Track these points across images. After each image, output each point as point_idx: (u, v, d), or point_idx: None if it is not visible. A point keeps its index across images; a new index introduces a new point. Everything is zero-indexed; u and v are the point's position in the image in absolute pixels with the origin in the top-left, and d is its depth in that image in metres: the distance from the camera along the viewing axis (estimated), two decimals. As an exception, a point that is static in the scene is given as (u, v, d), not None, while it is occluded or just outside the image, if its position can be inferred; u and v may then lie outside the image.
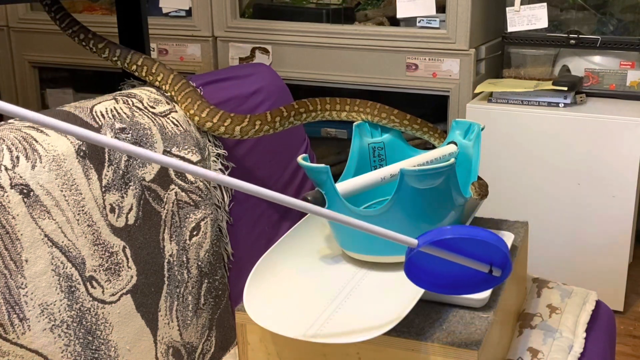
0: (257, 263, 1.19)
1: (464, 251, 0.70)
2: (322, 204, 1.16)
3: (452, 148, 1.36)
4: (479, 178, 1.30)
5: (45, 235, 1.02)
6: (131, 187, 1.19)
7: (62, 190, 1.06)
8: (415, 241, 0.69)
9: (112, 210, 1.14)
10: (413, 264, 0.72)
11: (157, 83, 1.38)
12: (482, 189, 1.24)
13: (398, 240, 0.68)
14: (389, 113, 1.42)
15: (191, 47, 2.61)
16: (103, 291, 1.10)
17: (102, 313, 1.09)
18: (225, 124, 1.37)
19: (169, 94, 1.37)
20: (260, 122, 1.39)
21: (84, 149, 1.12)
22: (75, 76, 2.99)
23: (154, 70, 1.37)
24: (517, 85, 2.27)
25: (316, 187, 1.18)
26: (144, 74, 1.38)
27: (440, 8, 2.33)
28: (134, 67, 1.39)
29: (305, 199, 1.15)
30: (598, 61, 2.36)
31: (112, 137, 1.18)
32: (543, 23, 2.29)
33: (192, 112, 1.36)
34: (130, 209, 1.17)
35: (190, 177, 1.31)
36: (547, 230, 2.24)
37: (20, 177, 1.02)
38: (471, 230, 0.70)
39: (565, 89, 2.20)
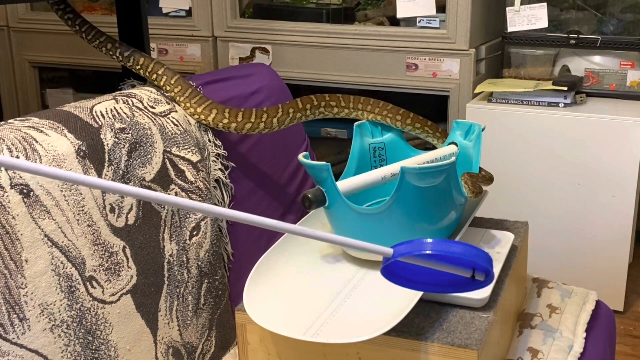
0: (257, 263, 1.19)
1: (444, 258, 0.70)
2: (323, 202, 1.16)
3: (452, 149, 1.35)
4: (481, 169, 1.29)
5: (45, 235, 1.02)
6: (131, 187, 1.19)
7: (62, 190, 1.06)
8: (390, 251, 0.69)
9: (112, 210, 1.14)
10: (389, 271, 0.72)
11: (172, 94, 1.38)
12: (476, 187, 1.22)
13: (371, 251, 0.68)
14: (423, 124, 1.43)
15: (191, 47, 2.61)
16: (103, 291, 1.10)
17: (102, 313, 1.09)
18: (263, 119, 1.39)
19: (183, 105, 1.37)
20: (293, 110, 1.41)
21: (84, 149, 1.12)
22: (75, 76, 3.00)
23: (172, 82, 1.38)
24: (517, 85, 2.27)
25: (317, 185, 1.18)
26: (161, 83, 1.39)
27: (440, 8, 2.33)
28: (155, 76, 1.39)
29: (306, 197, 1.15)
30: (598, 61, 2.36)
31: (112, 137, 1.18)
32: (543, 23, 2.29)
33: (225, 121, 1.37)
34: (130, 209, 1.17)
35: (190, 177, 1.31)
36: (547, 230, 2.24)
37: (20, 177, 1.01)
38: (450, 246, 0.70)
39: (565, 89, 2.20)
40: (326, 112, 1.45)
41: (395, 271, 0.71)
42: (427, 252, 0.68)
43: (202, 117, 1.38)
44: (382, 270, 0.71)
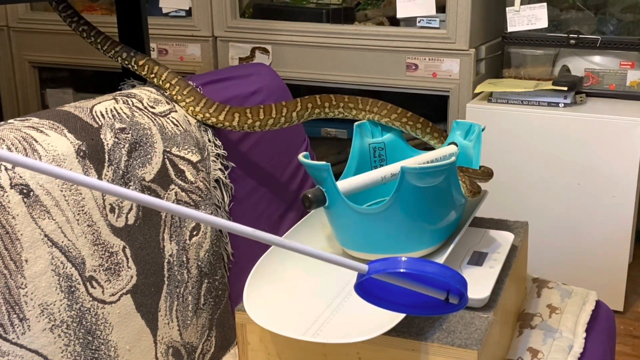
0: (257, 263, 1.19)
1: (418, 278, 0.69)
2: (323, 202, 1.16)
3: (452, 149, 1.36)
4: (481, 166, 1.29)
5: (45, 235, 1.02)
6: (131, 187, 1.19)
7: (62, 190, 1.06)
8: (365, 267, 0.67)
9: (112, 210, 1.14)
10: (363, 288, 0.71)
11: (183, 104, 1.38)
12: (474, 187, 1.22)
13: (346, 266, 0.67)
14: (440, 134, 1.43)
15: (191, 47, 2.61)
16: (103, 291, 1.10)
17: (102, 313, 1.09)
18: (284, 114, 1.41)
19: (202, 115, 1.38)
20: (311, 105, 1.43)
21: (84, 149, 1.12)
22: (75, 76, 3.00)
23: (184, 92, 1.39)
24: (517, 85, 2.27)
25: (317, 185, 1.18)
26: (174, 92, 1.39)
27: (440, 8, 2.33)
28: (168, 85, 1.40)
29: (306, 197, 1.15)
30: (598, 61, 2.36)
31: (112, 137, 1.18)
32: (543, 23, 2.29)
33: (249, 122, 1.39)
34: (130, 209, 1.17)
35: (190, 177, 1.31)
36: (547, 230, 2.24)
37: (20, 177, 1.01)
38: (425, 265, 0.69)
39: (565, 89, 2.20)
40: (345, 113, 1.46)
41: (369, 289, 0.70)
42: (402, 270, 0.67)
43: (227, 123, 1.39)
44: (356, 287, 0.70)
